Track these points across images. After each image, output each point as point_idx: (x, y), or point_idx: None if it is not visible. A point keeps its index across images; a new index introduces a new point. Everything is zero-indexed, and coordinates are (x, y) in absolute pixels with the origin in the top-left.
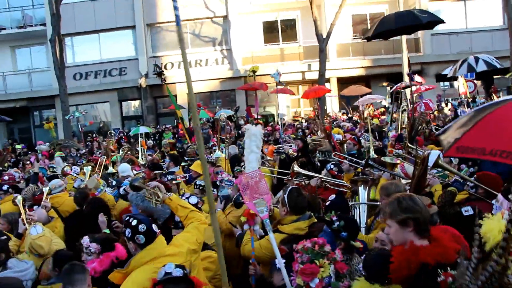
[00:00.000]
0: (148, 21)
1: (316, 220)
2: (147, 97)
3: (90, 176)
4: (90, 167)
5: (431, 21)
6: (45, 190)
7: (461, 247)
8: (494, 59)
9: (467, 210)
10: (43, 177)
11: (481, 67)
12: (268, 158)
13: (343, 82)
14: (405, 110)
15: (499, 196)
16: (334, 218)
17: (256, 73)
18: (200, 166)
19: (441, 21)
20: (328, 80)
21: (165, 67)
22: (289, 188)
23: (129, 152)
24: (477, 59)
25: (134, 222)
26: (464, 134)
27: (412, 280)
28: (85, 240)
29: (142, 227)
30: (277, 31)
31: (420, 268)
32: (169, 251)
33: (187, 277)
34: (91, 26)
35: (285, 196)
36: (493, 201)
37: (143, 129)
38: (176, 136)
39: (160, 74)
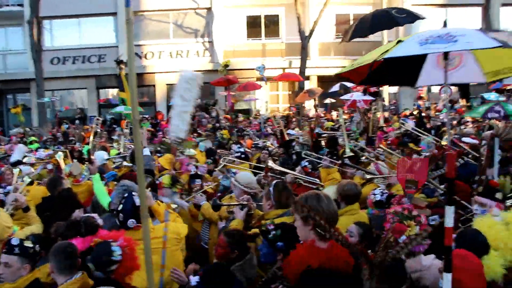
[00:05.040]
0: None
1: None
2: (121, 85)
3: (64, 163)
4: (62, 154)
5: (410, 21)
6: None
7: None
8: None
9: (434, 219)
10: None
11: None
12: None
13: (324, 81)
14: (376, 112)
15: (480, 198)
16: (270, 227)
17: (237, 68)
18: (169, 161)
19: (422, 18)
20: (308, 78)
21: (145, 56)
22: (275, 182)
23: (98, 139)
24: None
25: None
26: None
27: (298, 279)
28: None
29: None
30: (260, 26)
31: (305, 268)
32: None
33: None
34: (72, 10)
35: (271, 189)
36: (475, 206)
37: (120, 108)
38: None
39: (119, 63)
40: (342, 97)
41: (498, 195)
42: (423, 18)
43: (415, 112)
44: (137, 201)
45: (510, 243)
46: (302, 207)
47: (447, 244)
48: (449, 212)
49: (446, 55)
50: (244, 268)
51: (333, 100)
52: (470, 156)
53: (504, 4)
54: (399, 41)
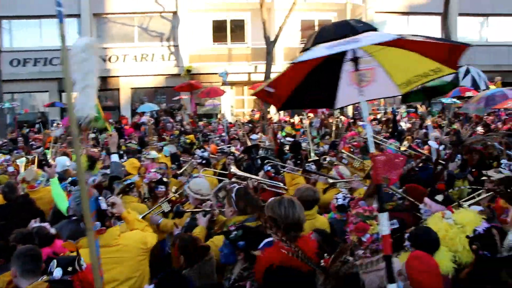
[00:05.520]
0: (94, 10)
1: None
2: None
3: (25, 168)
4: (24, 159)
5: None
6: None
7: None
8: (483, 78)
9: (393, 224)
10: None
11: (483, 86)
12: (212, 155)
13: None
14: (338, 117)
15: (426, 199)
16: (232, 228)
17: (203, 72)
18: (133, 165)
19: (375, 29)
20: None
21: (109, 60)
22: (236, 188)
23: (59, 144)
24: (479, 75)
25: None
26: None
27: (262, 276)
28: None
29: None
30: (226, 31)
31: (268, 266)
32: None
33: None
34: (32, 11)
35: (233, 195)
36: (421, 205)
37: None
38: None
39: None
40: None
41: (439, 197)
42: (375, 29)
43: (389, 116)
44: (103, 205)
45: (456, 238)
46: (269, 209)
47: (386, 253)
48: (382, 219)
49: (356, 63)
50: (201, 272)
51: None
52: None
53: (461, 14)
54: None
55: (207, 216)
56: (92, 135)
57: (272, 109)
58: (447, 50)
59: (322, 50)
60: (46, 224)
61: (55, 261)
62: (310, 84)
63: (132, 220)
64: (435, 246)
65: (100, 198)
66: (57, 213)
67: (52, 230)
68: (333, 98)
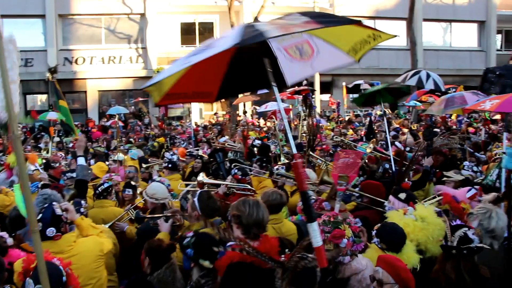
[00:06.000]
0: (60, 11)
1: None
2: (59, 92)
3: None
4: None
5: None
6: None
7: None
8: (441, 81)
9: (356, 222)
10: None
11: (430, 85)
12: (181, 159)
13: None
14: (304, 119)
15: (390, 197)
16: (188, 235)
17: None
18: (101, 169)
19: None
20: None
21: (76, 62)
22: (199, 192)
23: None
24: (428, 76)
25: None
26: (174, 83)
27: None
28: None
29: None
30: (194, 33)
31: (229, 263)
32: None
33: None
34: None
35: (195, 200)
36: (385, 203)
37: (52, 115)
38: (89, 134)
39: (52, 72)
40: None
41: (401, 196)
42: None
43: (364, 121)
44: (58, 211)
45: (424, 230)
46: (234, 208)
47: (322, 266)
48: (311, 230)
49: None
50: (163, 278)
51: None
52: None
53: (425, 19)
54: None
55: (169, 221)
56: (56, 139)
57: (241, 111)
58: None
59: (179, 63)
60: (4, 233)
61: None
62: (239, 70)
63: (86, 226)
64: (403, 240)
65: (54, 204)
66: (14, 219)
67: (9, 240)
68: (281, 77)
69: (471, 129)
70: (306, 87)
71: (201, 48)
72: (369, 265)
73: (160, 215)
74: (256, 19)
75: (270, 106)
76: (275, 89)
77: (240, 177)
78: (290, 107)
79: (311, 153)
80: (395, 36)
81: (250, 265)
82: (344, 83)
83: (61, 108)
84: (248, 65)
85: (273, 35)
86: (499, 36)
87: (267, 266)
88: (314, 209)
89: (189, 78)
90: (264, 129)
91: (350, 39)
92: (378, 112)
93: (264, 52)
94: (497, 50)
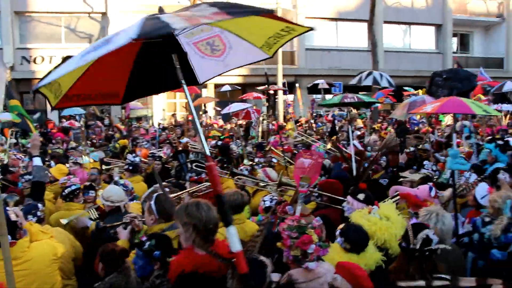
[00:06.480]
0: (16, 8)
1: None
2: (12, 92)
3: None
4: None
5: None
6: None
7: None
8: (391, 79)
9: (317, 221)
10: None
11: (384, 83)
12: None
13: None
14: (264, 119)
15: (348, 197)
16: (144, 239)
17: None
18: (61, 171)
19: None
20: (205, 86)
21: (34, 61)
22: (156, 195)
23: None
24: (381, 75)
25: None
26: (74, 84)
27: (174, 282)
28: None
29: None
30: None
31: (180, 272)
32: None
33: None
34: None
35: (152, 203)
36: (343, 204)
37: (6, 116)
38: (48, 135)
39: None
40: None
41: (360, 196)
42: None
43: (325, 121)
44: (12, 216)
45: (388, 230)
46: (184, 215)
47: (243, 272)
48: (229, 235)
49: (191, 33)
50: (115, 282)
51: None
52: None
53: (386, 22)
54: (68, 57)
55: (128, 228)
56: (13, 140)
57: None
58: (275, 16)
59: (75, 60)
60: None
61: None
62: (147, 68)
63: (35, 232)
64: (366, 240)
65: (8, 209)
66: None
67: None
68: (193, 76)
69: (429, 129)
70: (281, 87)
71: (97, 45)
72: (330, 269)
73: (120, 222)
74: (161, 9)
75: (233, 108)
76: (185, 87)
77: (196, 178)
78: (254, 107)
79: (272, 154)
80: (311, 29)
81: (202, 276)
82: (297, 85)
83: (15, 107)
84: (157, 62)
85: (178, 27)
86: (455, 39)
87: (219, 275)
88: (231, 213)
89: (90, 77)
90: (227, 129)
91: (263, 33)
92: (336, 112)
93: (172, 47)
94: (453, 52)
